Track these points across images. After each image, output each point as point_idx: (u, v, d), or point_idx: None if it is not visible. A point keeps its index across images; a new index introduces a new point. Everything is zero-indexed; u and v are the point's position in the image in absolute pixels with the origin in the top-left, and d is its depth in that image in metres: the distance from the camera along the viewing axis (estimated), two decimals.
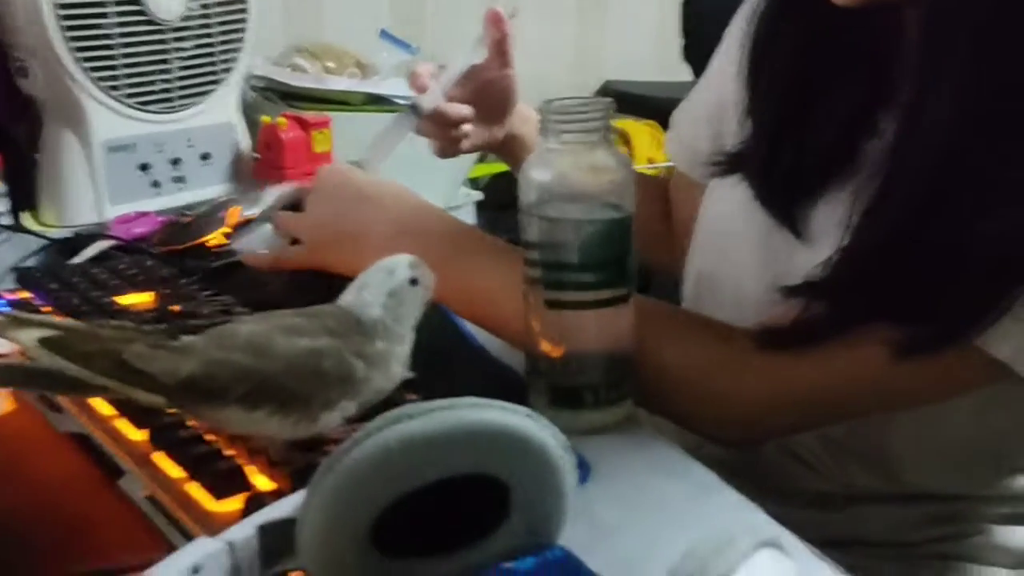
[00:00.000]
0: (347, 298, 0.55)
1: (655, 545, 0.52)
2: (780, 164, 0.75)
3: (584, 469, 0.58)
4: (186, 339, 0.51)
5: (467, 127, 0.89)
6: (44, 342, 0.49)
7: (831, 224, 0.69)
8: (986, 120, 0.61)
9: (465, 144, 0.91)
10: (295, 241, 0.80)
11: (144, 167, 1.17)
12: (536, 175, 0.62)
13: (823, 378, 0.67)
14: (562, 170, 0.62)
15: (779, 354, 0.67)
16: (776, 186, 0.75)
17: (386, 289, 0.55)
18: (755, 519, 0.54)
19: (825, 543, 0.61)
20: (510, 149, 0.97)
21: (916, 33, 0.65)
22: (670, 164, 1.02)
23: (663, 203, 0.99)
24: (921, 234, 0.63)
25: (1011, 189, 0.60)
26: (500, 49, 0.89)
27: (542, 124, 0.62)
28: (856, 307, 0.65)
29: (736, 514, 0.55)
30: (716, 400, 0.69)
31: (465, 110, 0.88)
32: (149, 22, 1.13)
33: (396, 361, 0.55)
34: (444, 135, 0.89)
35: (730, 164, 0.80)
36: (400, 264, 0.56)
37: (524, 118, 0.96)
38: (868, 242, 0.66)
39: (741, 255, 0.78)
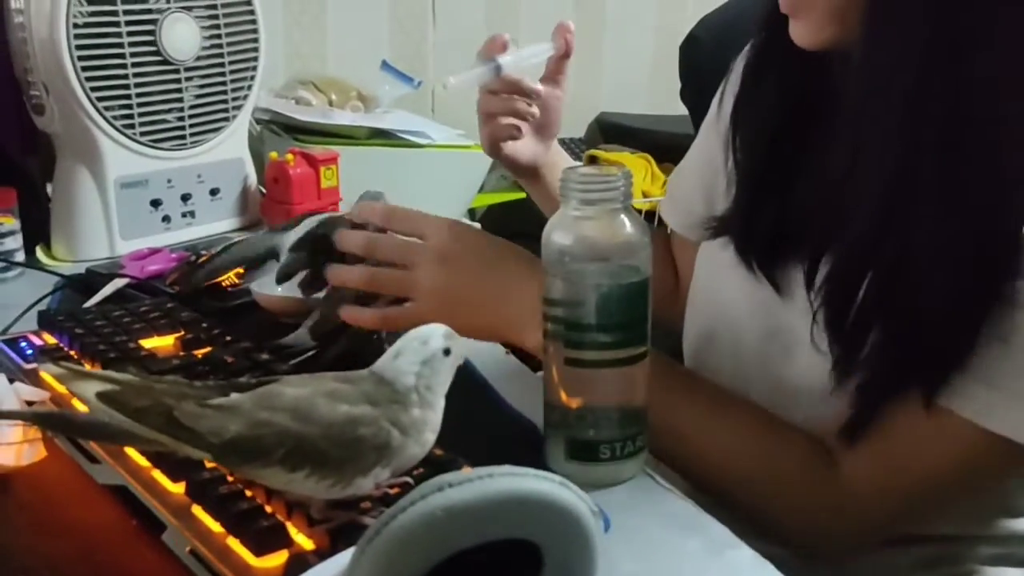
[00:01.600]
0: (382, 364, 0.57)
1: None
2: (759, 224, 0.78)
3: (605, 522, 0.60)
4: (234, 397, 0.54)
5: (535, 108, 0.91)
6: (101, 396, 0.52)
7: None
8: (924, 171, 0.64)
9: (520, 147, 0.93)
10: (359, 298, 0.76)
11: (155, 203, 1.19)
12: (557, 238, 0.65)
13: (923, 464, 0.69)
14: (583, 234, 0.64)
15: (875, 452, 0.69)
16: (756, 245, 0.79)
17: (420, 358, 0.56)
18: (767, 574, 0.57)
19: None
20: (544, 179, 0.99)
21: (852, 86, 0.67)
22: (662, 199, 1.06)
23: (668, 255, 1.02)
24: (880, 289, 0.66)
25: (954, 238, 0.64)
26: (558, 68, 0.92)
27: (563, 190, 0.64)
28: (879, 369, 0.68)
29: (749, 569, 0.58)
30: (825, 516, 0.71)
31: (538, 85, 0.90)
32: (163, 61, 1.15)
33: (429, 428, 0.57)
34: (508, 107, 0.91)
35: (718, 227, 0.84)
36: (435, 334, 0.58)
37: (555, 162, 0.99)
38: (837, 303, 0.69)
39: (734, 312, 0.82)
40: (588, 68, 2.15)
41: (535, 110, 0.91)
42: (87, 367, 0.58)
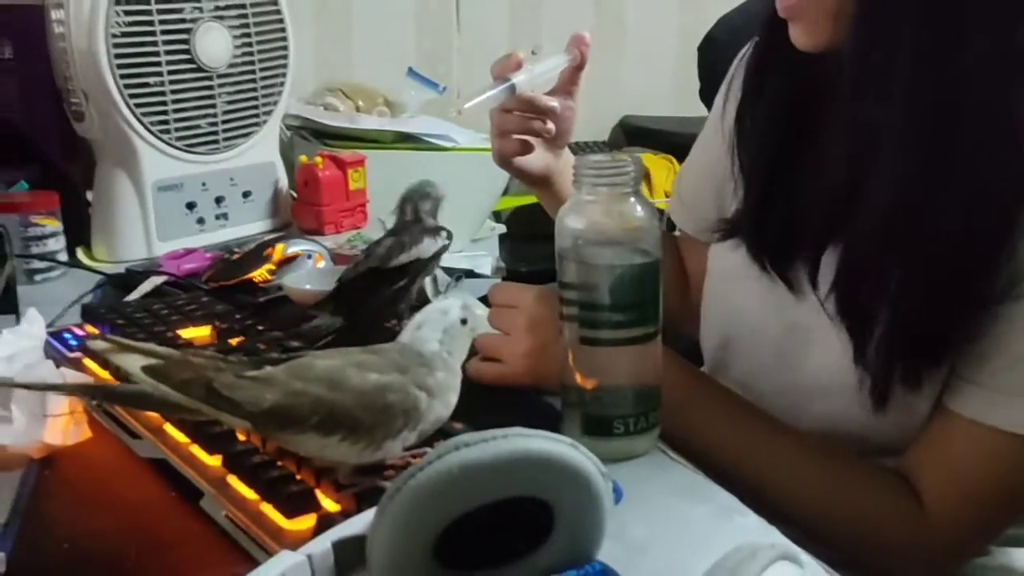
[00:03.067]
0: (406, 337, 0.61)
1: (682, 563, 0.57)
2: (769, 224, 0.81)
3: (617, 493, 0.63)
4: (268, 370, 0.57)
5: (551, 125, 0.91)
6: (146, 369, 0.55)
7: (825, 276, 0.75)
8: (922, 160, 0.66)
9: (532, 158, 0.94)
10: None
11: (190, 205, 1.24)
12: (571, 223, 0.68)
13: (999, 486, 0.71)
14: (595, 219, 0.67)
15: (952, 482, 0.71)
16: (767, 245, 0.81)
17: (441, 327, 0.62)
18: (774, 539, 0.59)
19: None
20: (555, 187, 1.00)
21: (845, 86, 0.70)
22: None
23: (678, 259, 1.04)
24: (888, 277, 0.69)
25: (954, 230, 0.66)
26: (572, 79, 0.93)
27: (576, 176, 0.67)
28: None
29: (757, 534, 0.60)
30: (916, 553, 0.73)
31: (553, 101, 0.90)
32: (197, 69, 1.20)
33: (452, 391, 0.61)
34: (524, 126, 0.91)
35: (729, 229, 0.86)
36: (453, 305, 0.62)
37: (565, 170, 1.00)
38: (847, 291, 0.72)
39: (750, 313, 0.84)
40: (610, 72, 2.18)
41: (550, 127, 0.92)
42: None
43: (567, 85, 0.94)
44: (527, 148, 0.93)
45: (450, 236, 0.94)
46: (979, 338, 0.68)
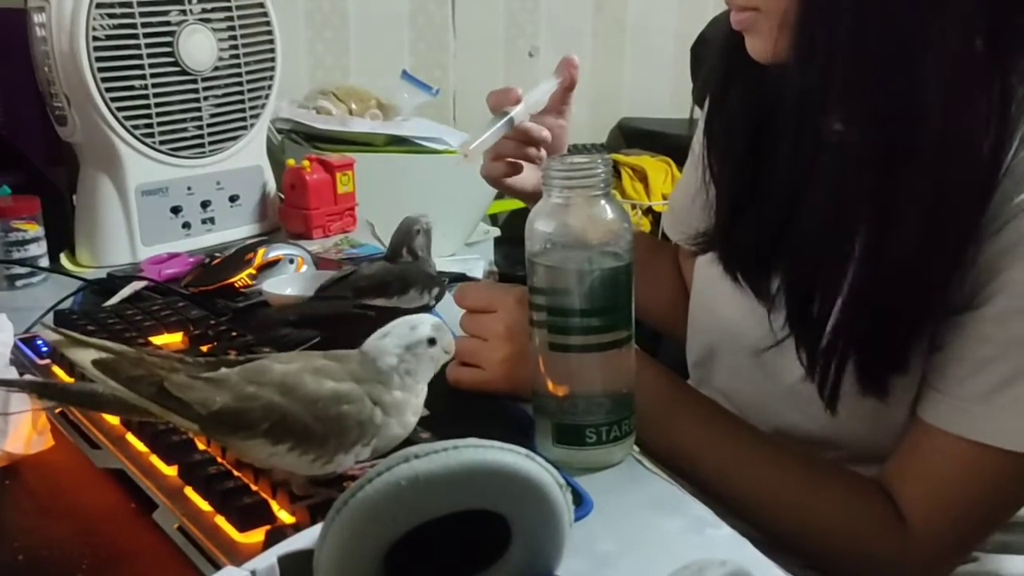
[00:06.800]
0: (370, 342, 0.59)
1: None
2: (738, 237, 0.80)
3: (587, 505, 0.61)
4: (223, 371, 0.56)
5: (543, 152, 0.93)
6: (97, 363, 0.54)
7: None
8: (857, 180, 0.67)
9: (525, 177, 0.95)
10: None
11: (176, 209, 1.23)
12: (540, 226, 0.66)
13: (979, 500, 0.69)
14: (565, 222, 0.66)
15: (933, 497, 0.69)
16: (738, 258, 0.81)
17: (405, 342, 0.58)
18: (746, 552, 0.58)
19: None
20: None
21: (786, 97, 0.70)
22: None
23: (676, 268, 1.04)
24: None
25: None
26: (563, 99, 0.93)
27: (545, 178, 0.66)
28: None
29: (728, 548, 0.58)
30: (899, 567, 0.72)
31: (545, 132, 0.92)
32: (182, 72, 1.19)
33: (411, 411, 0.58)
34: (518, 152, 0.93)
35: (705, 242, 0.86)
36: (423, 322, 0.59)
37: None
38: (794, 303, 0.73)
39: (730, 322, 0.84)
40: (609, 74, 2.17)
41: (542, 153, 0.94)
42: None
43: (558, 105, 0.95)
44: (516, 169, 0.94)
45: (441, 294, 0.92)
46: (943, 347, 0.68)
